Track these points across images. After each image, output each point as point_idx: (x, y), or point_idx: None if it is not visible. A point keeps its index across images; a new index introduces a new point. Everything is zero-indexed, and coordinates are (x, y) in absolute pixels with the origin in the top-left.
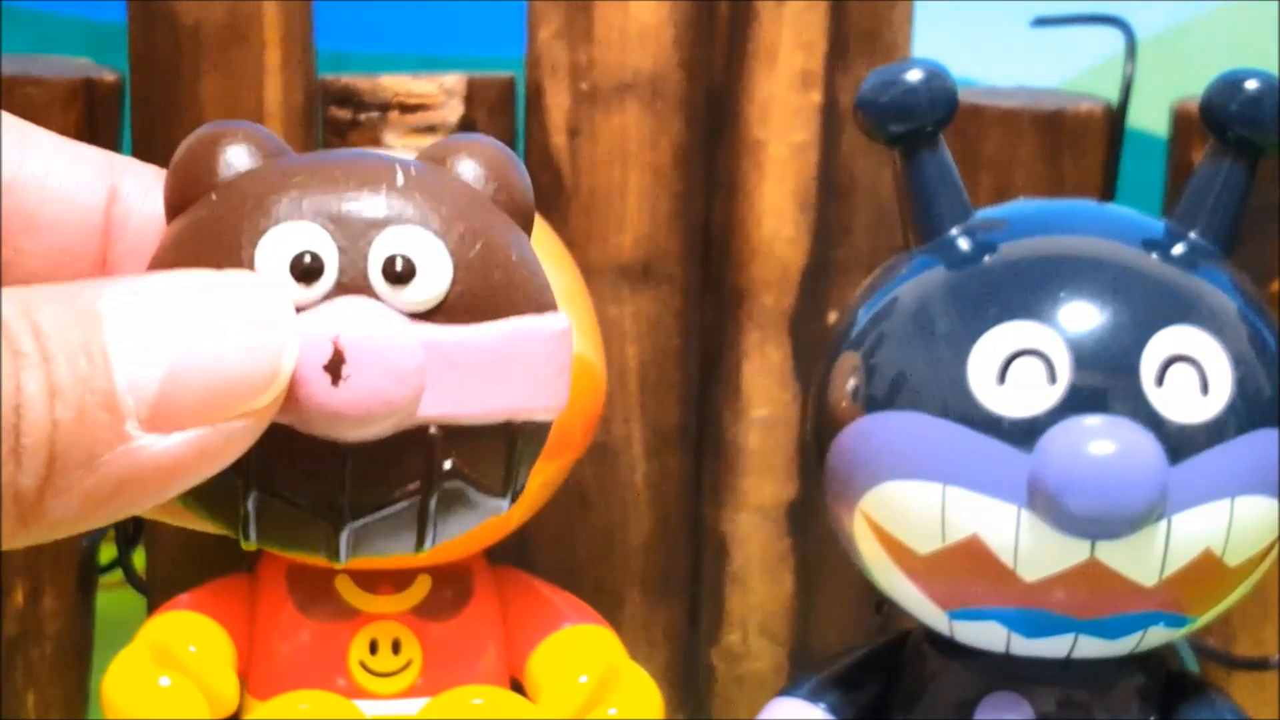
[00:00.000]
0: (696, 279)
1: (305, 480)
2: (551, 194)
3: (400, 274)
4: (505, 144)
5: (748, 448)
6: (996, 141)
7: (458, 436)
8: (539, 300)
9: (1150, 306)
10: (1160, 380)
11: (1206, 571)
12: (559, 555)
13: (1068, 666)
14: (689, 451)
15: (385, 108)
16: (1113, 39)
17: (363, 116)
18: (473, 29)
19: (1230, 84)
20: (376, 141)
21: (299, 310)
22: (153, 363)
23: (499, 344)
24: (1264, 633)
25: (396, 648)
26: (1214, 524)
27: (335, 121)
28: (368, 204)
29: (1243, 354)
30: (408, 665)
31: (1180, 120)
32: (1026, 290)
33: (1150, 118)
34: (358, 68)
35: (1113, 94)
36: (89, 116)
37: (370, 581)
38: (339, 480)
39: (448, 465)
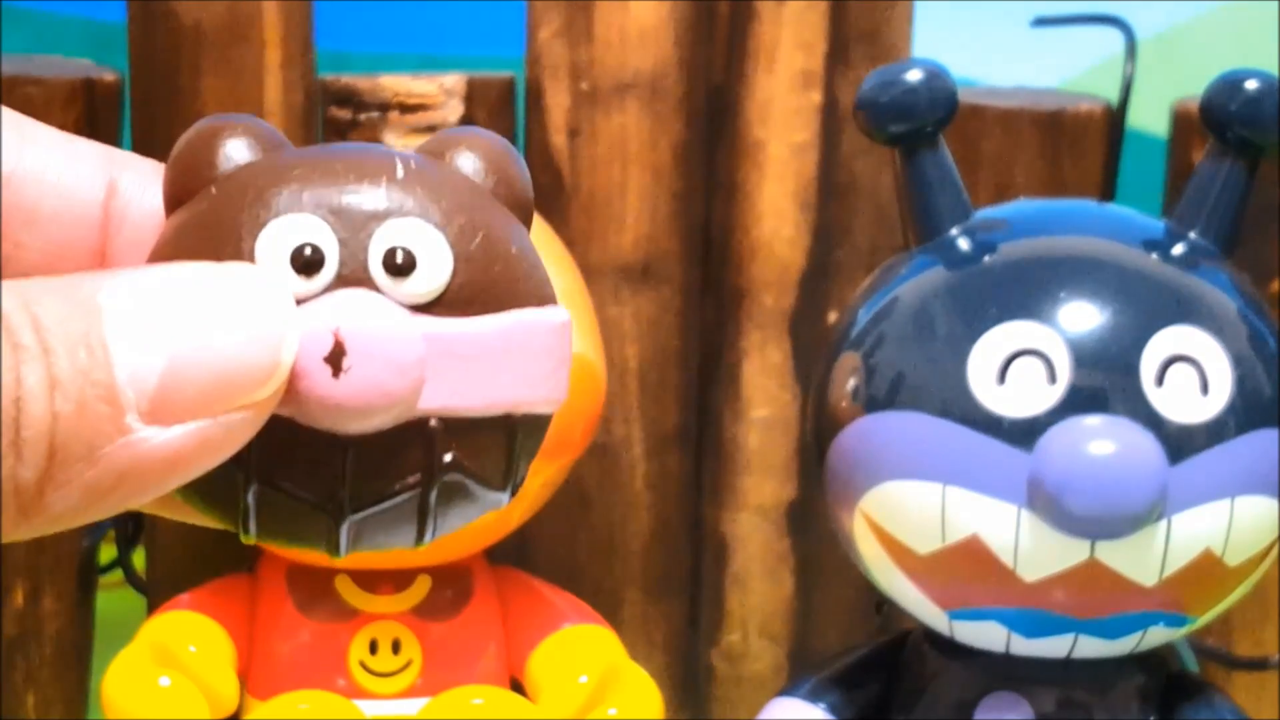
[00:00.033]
0: (696, 279)
1: (306, 473)
2: (551, 194)
3: (401, 266)
4: None
5: (748, 448)
6: (996, 141)
7: (458, 429)
8: (539, 293)
9: (1150, 306)
10: (1160, 380)
11: (1206, 571)
12: (559, 555)
13: (1068, 666)
14: (689, 452)
15: (385, 108)
16: (1113, 39)
17: (363, 116)
18: (473, 29)
19: (1230, 84)
20: (376, 141)
21: (299, 303)
22: (153, 355)
23: (499, 336)
24: (1264, 633)
25: (396, 648)
26: (1214, 524)
27: (335, 121)
28: (368, 196)
29: (1243, 354)
30: (408, 665)
31: (1180, 120)
32: (1026, 290)
33: (1150, 118)
34: (358, 68)
35: (1113, 94)
36: (89, 116)
37: (370, 581)
38: (339, 473)
39: (448, 458)
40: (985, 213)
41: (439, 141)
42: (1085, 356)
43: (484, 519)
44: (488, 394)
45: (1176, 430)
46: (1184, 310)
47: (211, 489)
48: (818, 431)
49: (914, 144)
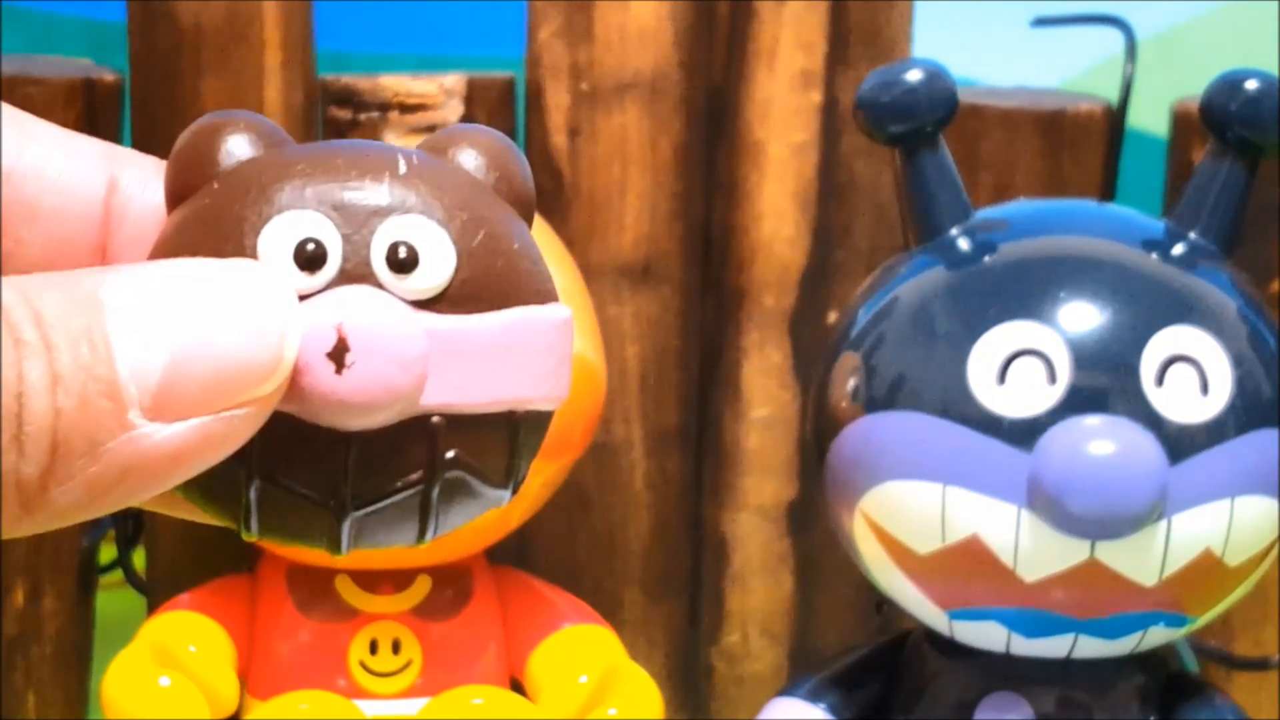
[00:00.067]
0: (696, 279)
1: (308, 469)
2: (551, 194)
3: (404, 262)
4: None
5: (748, 448)
6: (996, 141)
7: (460, 426)
8: (541, 290)
9: (1150, 306)
10: (1160, 380)
11: (1206, 571)
12: (559, 555)
13: (1068, 666)
14: (689, 452)
15: (385, 108)
16: (1113, 39)
17: (363, 116)
18: (473, 29)
19: (1230, 84)
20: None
21: (302, 298)
22: (155, 351)
23: (502, 333)
24: (1264, 633)
25: (396, 648)
26: (1214, 524)
27: (335, 121)
28: (371, 192)
29: (1243, 354)
30: (408, 665)
31: (1180, 120)
32: (1026, 290)
33: (1150, 118)
34: (358, 68)
35: (1113, 94)
36: (89, 116)
37: (370, 581)
38: (342, 469)
39: (450, 455)
40: (985, 213)
41: (441, 138)
42: (1085, 356)
43: (484, 519)
44: (490, 390)
45: (1176, 430)
46: (1184, 310)
47: (213, 486)
48: (818, 431)
49: (914, 144)
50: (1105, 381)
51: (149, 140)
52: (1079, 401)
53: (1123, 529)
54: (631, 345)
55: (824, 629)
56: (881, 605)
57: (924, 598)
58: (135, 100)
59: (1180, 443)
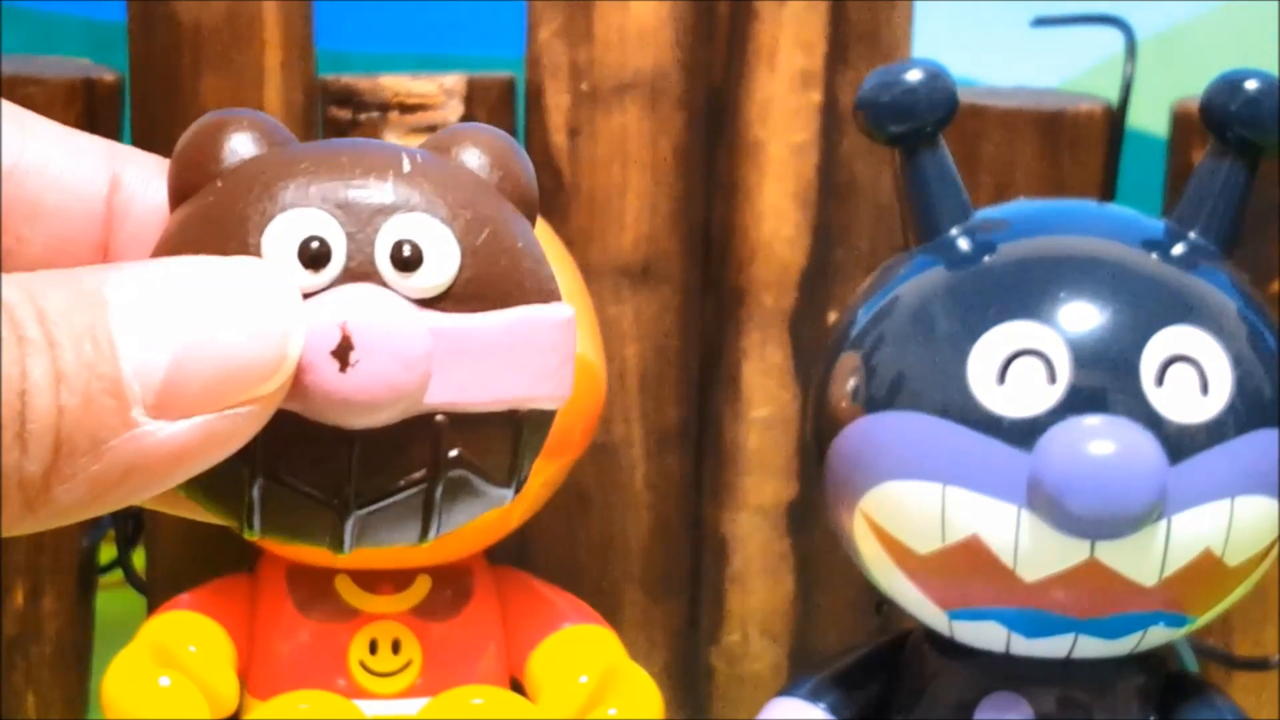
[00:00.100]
0: (696, 279)
1: (311, 467)
2: (551, 194)
3: (408, 260)
4: None
5: (748, 448)
6: (996, 141)
7: (464, 424)
8: (544, 289)
9: (1150, 306)
10: (1160, 380)
11: (1206, 571)
12: (559, 555)
13: (1068, 666)
14: (689, 451)
15: (385, 108)
16: (1113, 39)
17: (363, 116)
18: (473, 29)
19: (1230, 84)
20: None
21: (306, 296)
22: (159, 348)
23: (505, 332)
24: (1264, 633)
25: (396, 648)
26: (1214, 524)
27: (335, 121)
28: (375, 191)
29: (1243, 354)
30: (408, 665)
31: (1180, 120)
32: (1026, 290)
33: (1150, 118)
34: (358, 68)
35: (1113, 94)
36: (89, 116)
37: (370, 581)
38: (345, 468)
39: (454, 453)
40: (985, 213)
41: (444, 137)
42: (1085, 356)
43: (484, 519)
44: (494, 389)
45: (1176, 430)
46: (1184, 310)
47: (216, 484)
48: (818, 431)
49: (914, 144)
50: (1105, 381)
51: (149, 140)
52: (1079, 401)
53: (1123, 529)
54: (631, 345)
55: (824, 629)
56: (881, 605)
57: (924, 598)
58: (135, 100)
59: (1180, 443)
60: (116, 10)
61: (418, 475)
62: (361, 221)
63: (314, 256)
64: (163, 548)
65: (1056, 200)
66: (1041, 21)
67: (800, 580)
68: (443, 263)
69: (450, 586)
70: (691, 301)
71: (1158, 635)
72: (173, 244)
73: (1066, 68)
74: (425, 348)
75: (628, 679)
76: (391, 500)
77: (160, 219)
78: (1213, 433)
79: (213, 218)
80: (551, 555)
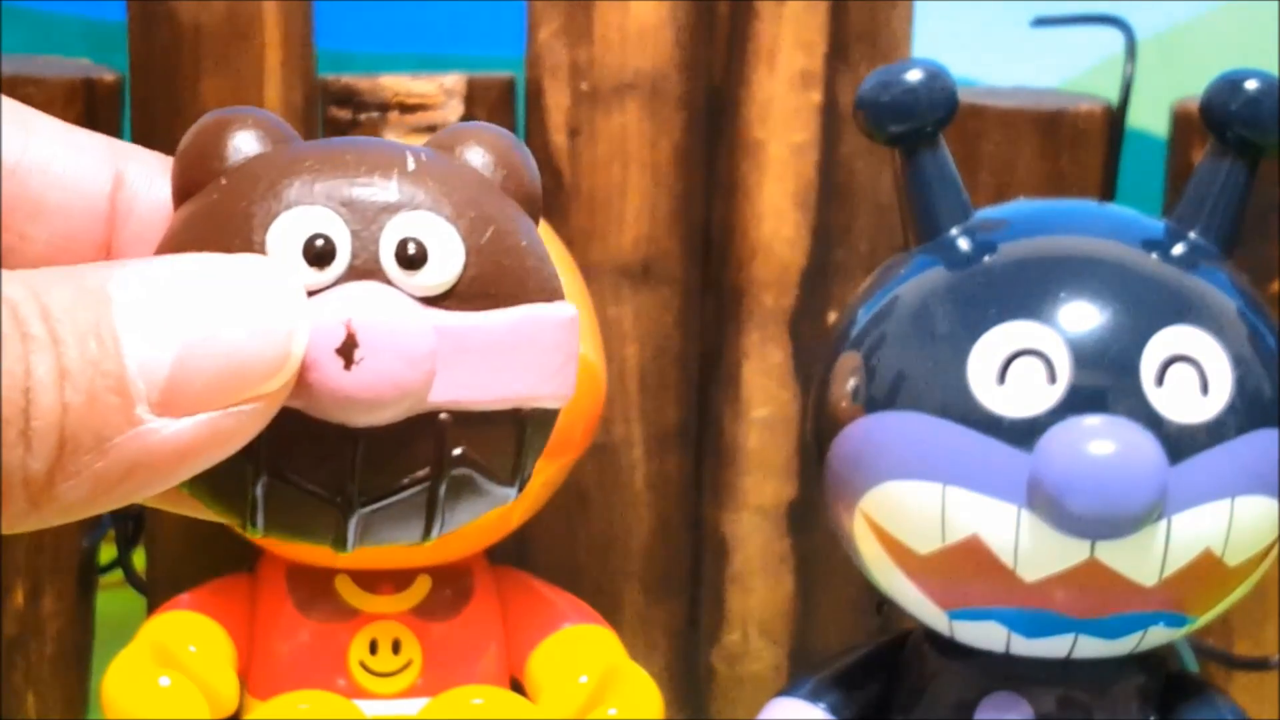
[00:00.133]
0: (696, 279)
1: (315, 465)
2: (551, 194)
3: (413, 258)
4: None
5: (748, 448)
6: (996, 141)
7: (467, 423)
8: (547, 288)
9: (1150, 306)
10: (1160, 380)
11: (1206, 571)
12: (559, 555)
13: (1068, 666)
14: (689, 451)
15: (385, 108)
16: (1113, 39)
17: (363, 116)
18: (473, 29)
19: (1230, 84)
20: None
21: (311, 294)
22: (163, 346)
23: (509, 330)
24: (1264, 633)
25: (396, 648)
26: (1214, 524)
27: (335, 121)
28: (380, 189)
29: (1243, 354)
30: (408, 665)
31: (1180, 120)
32: (1026, 290)
33: (1150, 118)
34: (358, 68)
35: (1113, 94)
36: (89, 116)
37: (370, 581)
38: (349, 466)
39: (457, 452)
40: (985, 213)
41: (448, 136)
42: (1085, 356)
43: (484, 519)
44: (497, 388)
45: (1176, 430)
46: (1184, 310)
47: (220, 482)
48: (818, 431)
49: (914, 144)
50: (1105, 381)
51: (149, 140)
52: (1079, 401)
53: (1123, 529)
54: (631, 345)
55: (824, 629)
56: (881, 605)
57: (924, 598)
58: (135, 100)
59: (1180, 443)
60: (116, 10)
61: (421, 474)
62: (366, 219)
63: (319, 254)
64: (163, 548)
65: (1056, 200)
66: (1041, 21)
67: (800, 580)
68: (447, 261)
69: (450, 586)
70: (691, 301)
71: (1158, 635)
72: (177, 241)
73: (1066, 68)
74: (429, 346)
75: (628, 679)
76: (395, 499)
77: (163, 217)
78: (1213, 433)
79: (217, 215)
80: (551, 555)
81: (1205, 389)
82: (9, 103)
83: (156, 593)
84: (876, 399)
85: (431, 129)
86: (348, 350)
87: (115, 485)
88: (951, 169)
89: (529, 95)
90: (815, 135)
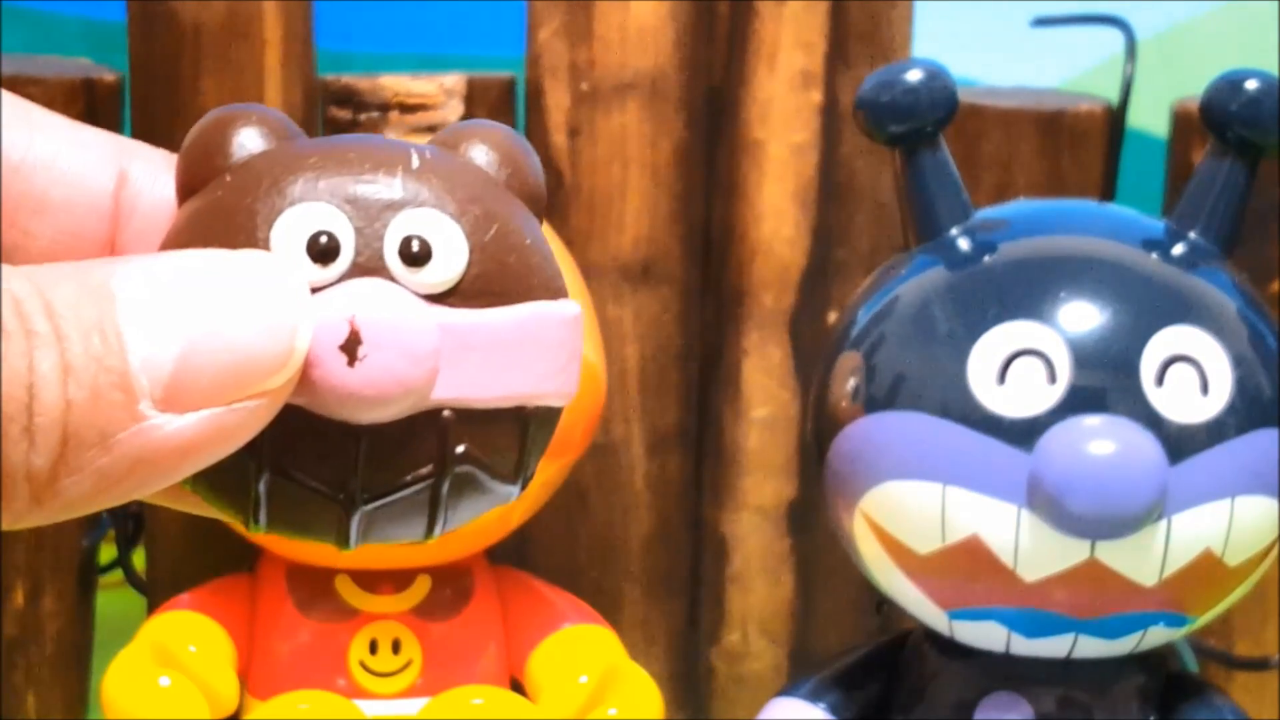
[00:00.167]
0: (696, 279)
1: (318, 462)
2: (551, 194)
3: (417, 255)
4: None
5: (748, 448)
6: (996, 141)
7: (471, 420)
8: (551, 286)
9: (1150, 306)
10: (1160, 380)
11: (1206, 571)
12: (559, 555)
13: (1068, 666)
14: (689, 451)
15: (385, 108)
16: (1113, 39)
17: (363, 116)
18: (473, 29)
19: (1230, 84)
20: None
21: (315, 291)
22: (167, 342)
23: (513, 328)
24: (1264, 633)
25: (396, 648)
26: (1214, 524)
27: (335, 121)
28: (384, 186)
29: (1243, 354)
30: (408, 665)
31: (1180, 120)
32: (1026, 290)
33: (1150, 118)
34: (358, 68)
35: (1113, 94)
36: (89, 116)
37: (370, 581)
38: (352, 463)
39: (460, 449)
40: (985, 213)
41: (452, 134)
42: (1085, 356)
43: (484, 518)
44: (501, 385)
45: (1176, 430)
46: (1184, 310)
47: (222, 478)
48: (818, 431)
49: (914, 144)
50: (1105, 381)
51: (149, 140)
52: (1079, 401)
53: (1123, 529)
54: (631, 345)
55: (824, 629)
56: (881, 605)
57: (924, 598)
58: (135, 100)
59: (1180, 443)
60: (116, 10)
61: (424, 471)
62: (370, 216)
63: (322, 251)
64: (163, 548)
65: (1056, 200)
66: (1041, 21)
67: (800, 580)
68: (451, 258)
69: (450, 586)
70: (691, 301)
71: (1158, 635)
72: (181, 238)
73: (1066, 68)
74: (433, 343)
75: (628, 679)
76: (398, 496)
77: (167, 213)
78: (1213, 433)
79: (221, 212)
80: (551, 555)
81: (1205, 389)
82: (13, 99)
83: (156, 593)
84: (876, 399)
85: (432, 129)
86: (351, 347)
87: (118, 481)
88: (952, 169)
89: (529, 95)
90: (815, 135)
